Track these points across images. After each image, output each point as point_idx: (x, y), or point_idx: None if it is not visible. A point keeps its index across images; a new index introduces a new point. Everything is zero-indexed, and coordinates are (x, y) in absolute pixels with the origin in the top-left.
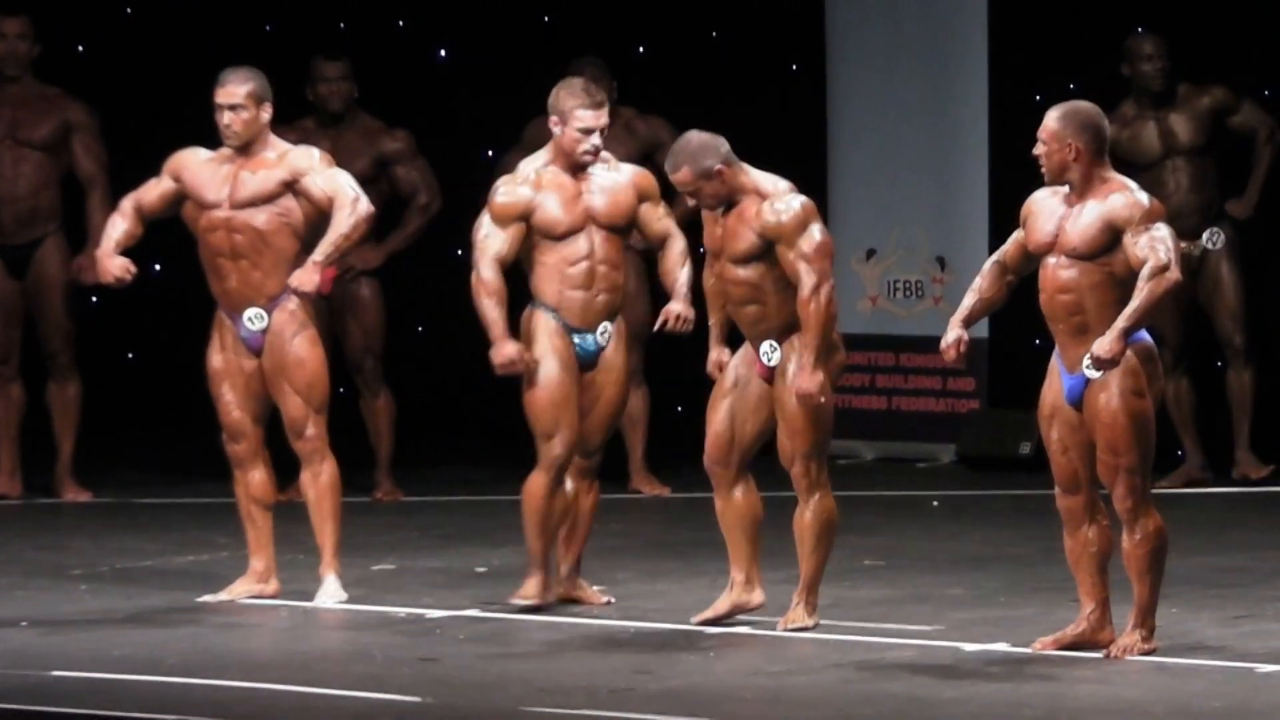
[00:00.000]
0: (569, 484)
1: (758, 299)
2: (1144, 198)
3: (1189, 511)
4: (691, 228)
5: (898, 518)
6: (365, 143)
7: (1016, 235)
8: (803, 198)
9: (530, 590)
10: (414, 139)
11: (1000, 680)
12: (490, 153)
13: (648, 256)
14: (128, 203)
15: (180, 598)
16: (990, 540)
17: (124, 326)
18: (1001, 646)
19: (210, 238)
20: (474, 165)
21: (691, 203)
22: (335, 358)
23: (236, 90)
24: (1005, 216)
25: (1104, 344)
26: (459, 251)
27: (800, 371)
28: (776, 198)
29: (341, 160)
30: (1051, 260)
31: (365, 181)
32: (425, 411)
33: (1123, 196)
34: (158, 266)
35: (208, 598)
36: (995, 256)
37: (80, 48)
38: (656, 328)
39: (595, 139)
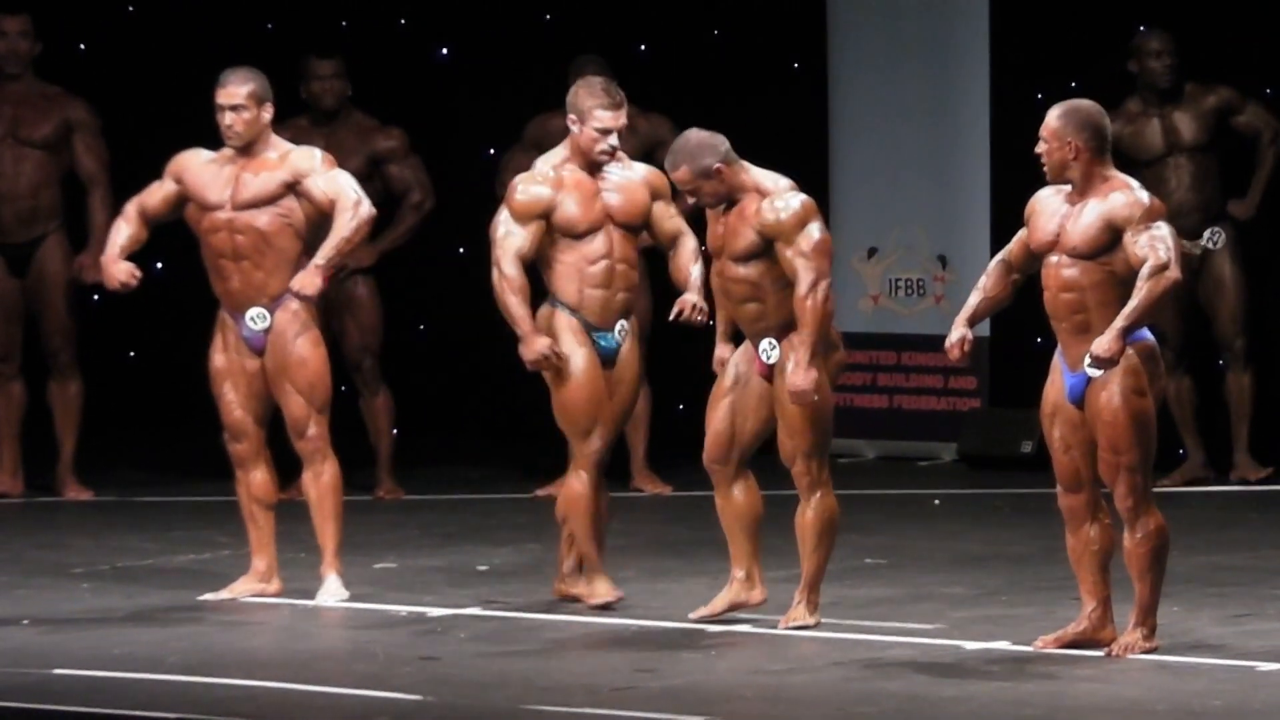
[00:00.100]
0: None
1: (757, 297)
2: (1144, 196)
3: (1190, 510)
4: (693, 226)
5: (899, 516)
6: (359, 141)
7: (1021, 234)
8: (803, 196)
9: (603, 590)
10: (408, 137)
11: (1001, 679)
12: (491, 152)
13: (647, 254)
14: (131, 207)
15: (181, 596)
16: (991, 539)
17: (125, 325)
18: (1002, 645)
19: (212, 239)
20: (474, 164)
21: (691, 201)
22: (333, 357)
23: (237, 91)
24: (1006, 215)
25: (1102, 343)
26: (460, 250)
27: (795, 369)
28: (776, 196)
29: (335, 158)
30: (1053, 259)
31: (359, 180)
32: (427, 410)
33: (1123, 195)
34: (159, 265)
35: (209, 596)
36: (1000, 255)
37: (81, 46)
38: (672, 317)
39: (613, 139)
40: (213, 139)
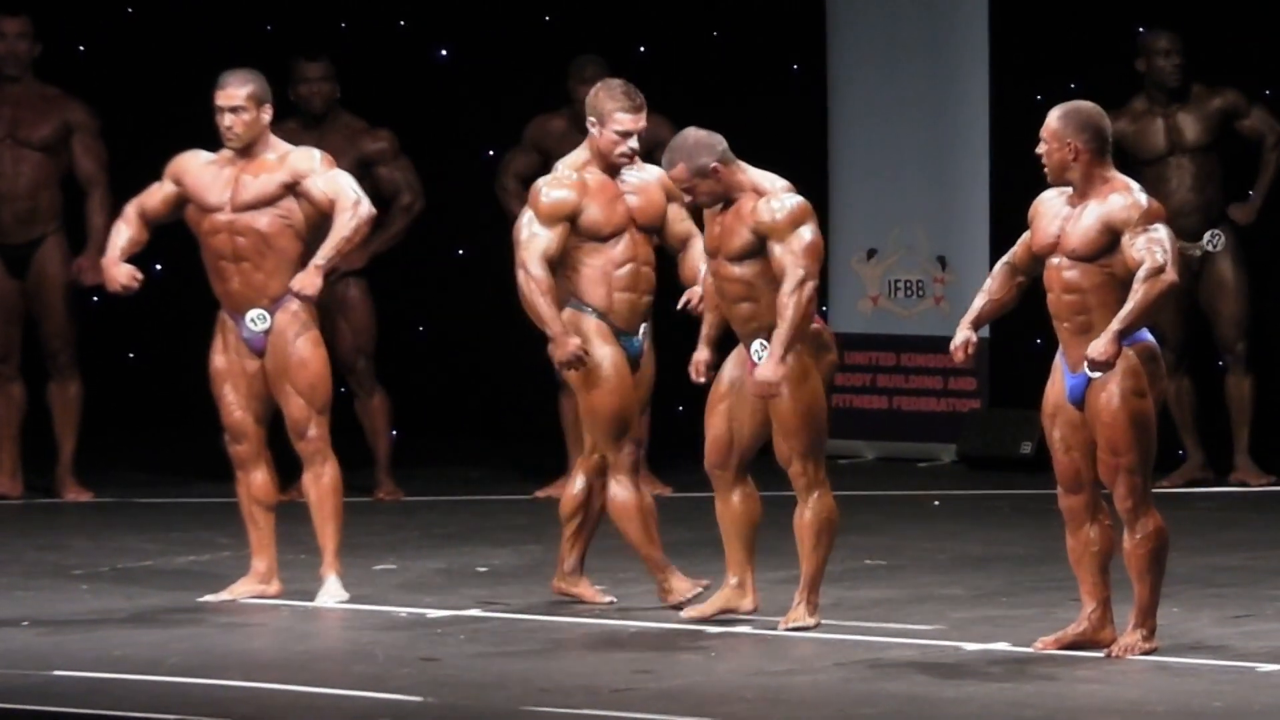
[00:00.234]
0: (582, 481)
1: (750, 296)
2: (1143, 198)
3: (1190, 511)
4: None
5: (898, 517)
6: (348, 143)
7: (1025, 236)
8: (799, 198)
9: (682, 586)
10: (397, 138)
11: (1001, 680)
12: (490, 153)
13: None
14: (131, 209)
15: (181, 598)
16: (991, 540)
17: (125, 326)
18: (1002, 646)
19: (212, 240)
20: (474, 166)
21: (688, 199)
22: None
23: (237, 92)
24: (1006, 216)
25: (1098, 346)
26: (460, 251)
27: (767, 360)
28: (773, 196)
29: None
30: (1054, 261)
31: None
32: (427, 411)
33: (1122, 197)
34: (159, 266)
35: (209, 598)
36: (1005, 258)
37: (81, 48)
38: (680, 305)
39: (633, 142)
40: (212, 141)
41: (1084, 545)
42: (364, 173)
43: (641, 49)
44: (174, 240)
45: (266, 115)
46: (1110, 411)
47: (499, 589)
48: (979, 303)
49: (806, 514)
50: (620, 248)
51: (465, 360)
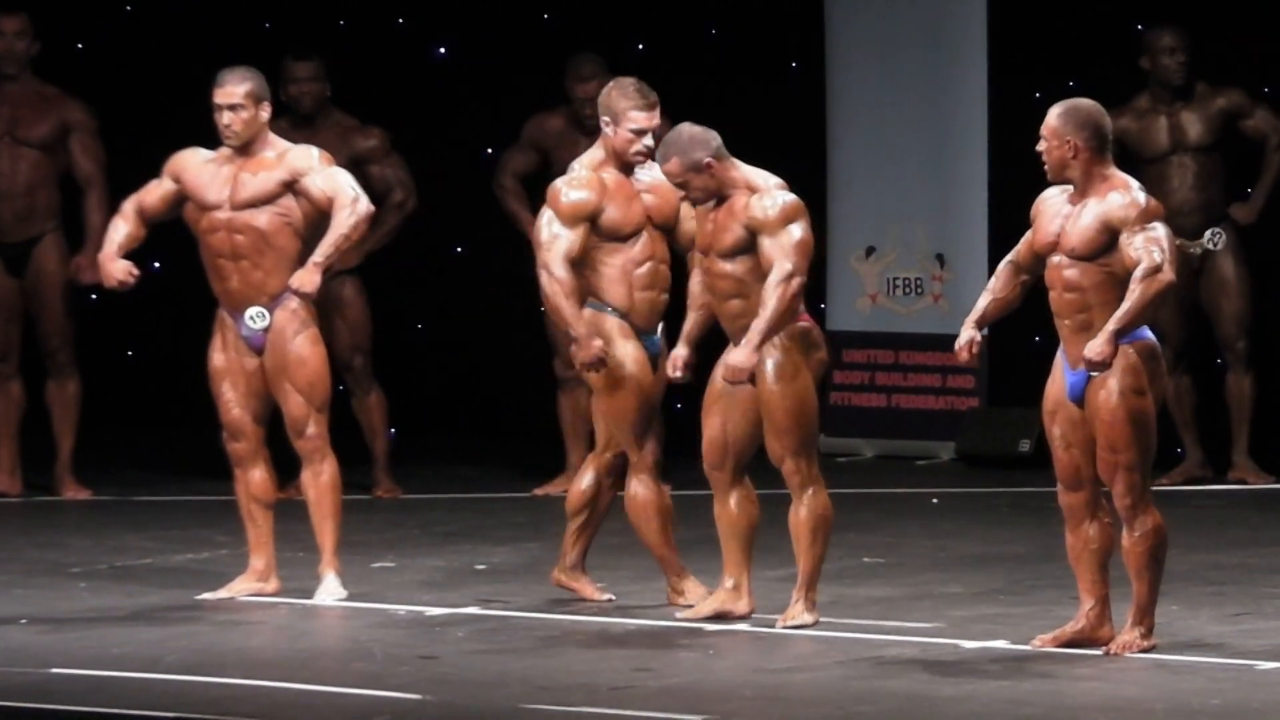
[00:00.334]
0: (592, 478)
1: (740, 293)
2: (1141, 197)
3: (1188, 509)
4: None
5: (897, 515)
6: (340, 142)
7: (1028, 235)
8: (792, 195)
9: (696, 591)
10: (388, 136)
11: (1000, 678)
12: (489, 151)
13: None
14: (129, 205)
15: (180, 595)
16: (990, 538)
17: (123, 324)
18: (1001, 644)
19: (211, 239)
20: (473, 164)
21: (681, 195)
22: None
23: (235, 90)
24: (1005, 213)
25: (1094, 346)
26: (458, 249)
27: (741, 346)
28: (766, 193)
29: None
30: (1055, 260)
31: None
32: (425, 409)
33: (1120, 196)
34: (157, 264)
35: (207, 595)
36: (1009, 257)
37: (80, 46)
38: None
39: (648, 140)
40: (210, 139)
41: (1083, 543)
42: (356, 171)
43: (640, 47)
44: (172, 238)
45: (265, 113)
46: (1110, 409)
47: (498, 587)
48: (983, 302)
49: (802, 511)
50: (639, 247)
51: (464, 358)
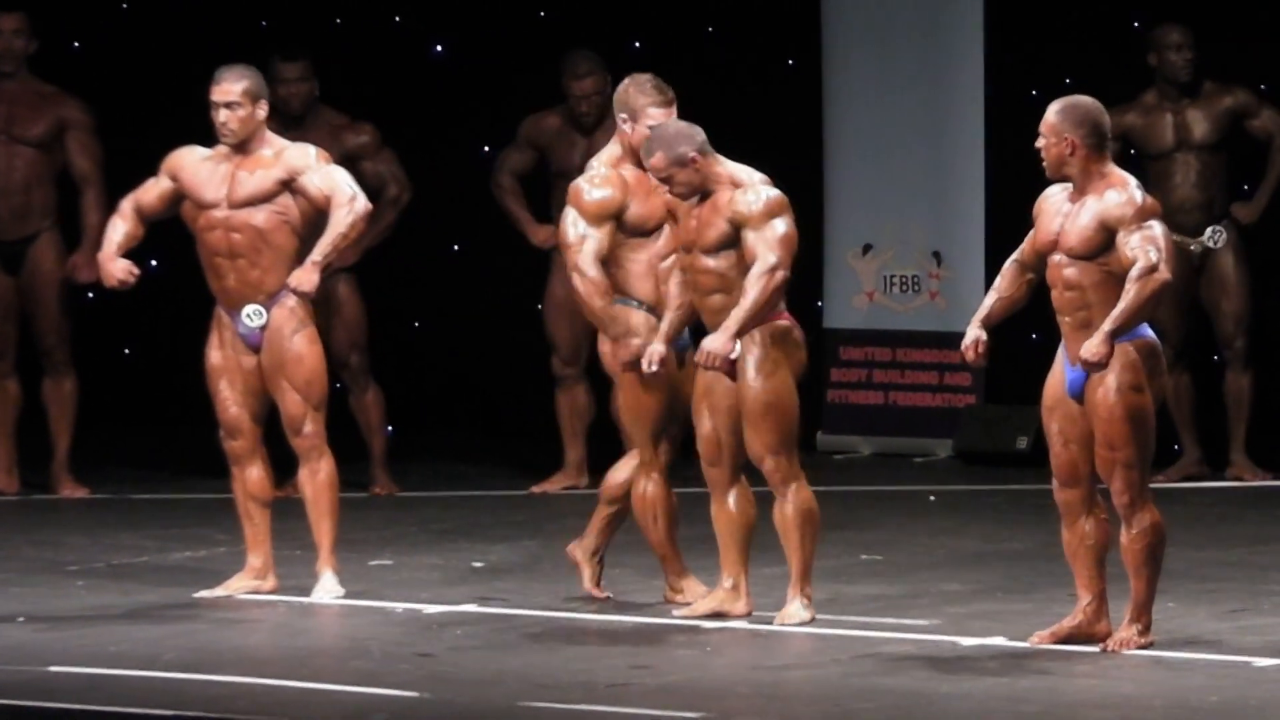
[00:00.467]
0: (631, 471)
1: (723, 289)
2: (1138, 195)
3: (1186, 506)
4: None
5: (894, 513)
6: (330, 140)
7: (1031, 233)
8: (776, 191)
9: (696, 590)
10: (379, 132)
11: (997, 674)
12: (486, 149)
13: None
14: (127, 204)
15: (177, 593)
16: (987, 535)
17: (120, 322)
18: (999, 641)
19: (208, 237)
20: (470, 162)
21: (665, 190)
22: None
23: (232, 88)
24: (1002, 211)
25: (1090, 346)
26: (455, 247)
27: (718, 333)
28: (750, 188)
29: None
30: (1055, 258)
31: None
32: (423, 407)
33: (1117, 194)
34: (154, 262)
35: (205, 593)
36: (1014, 255)
37: (77, 44)
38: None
39: None
40: (208, 137)
41: (1080, 539)
42: (349, 168)
43: (637, 45)
44: (170, 236)
45: (262, 111)
46: (1108, 406)
47: (495, 584)
48: (990, 301)
49: (787, 509)
50: (662, 241)
51: (461, 356)
